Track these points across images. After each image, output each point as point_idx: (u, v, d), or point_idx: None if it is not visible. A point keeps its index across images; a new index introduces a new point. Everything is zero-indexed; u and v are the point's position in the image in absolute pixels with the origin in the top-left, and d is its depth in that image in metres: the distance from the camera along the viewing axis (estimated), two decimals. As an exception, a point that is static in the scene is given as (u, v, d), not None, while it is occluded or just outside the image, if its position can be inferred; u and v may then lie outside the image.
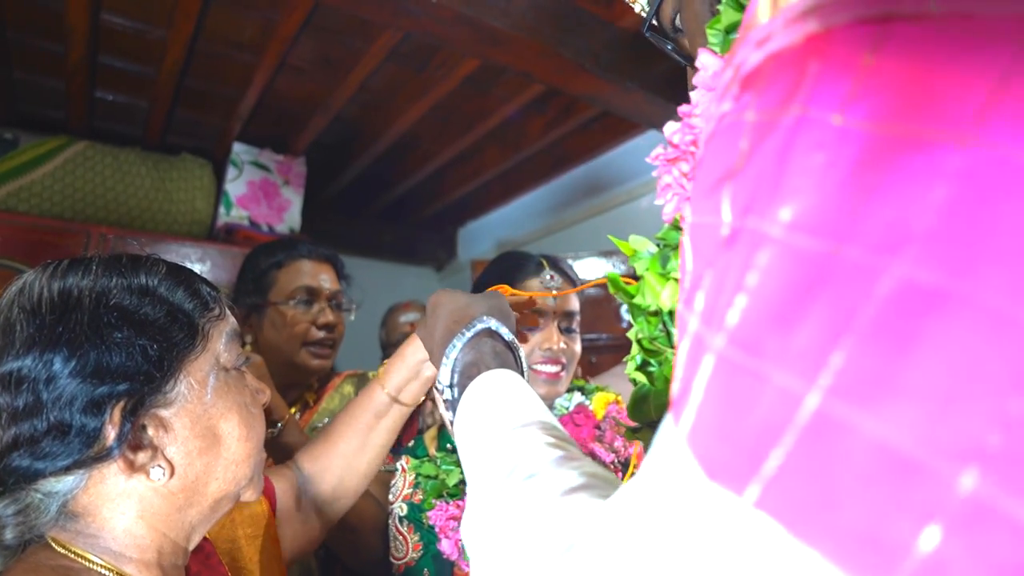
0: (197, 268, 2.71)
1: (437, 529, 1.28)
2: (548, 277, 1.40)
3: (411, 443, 1.44)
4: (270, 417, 1.25)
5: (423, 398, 1.14)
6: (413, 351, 1.09)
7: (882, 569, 0.24)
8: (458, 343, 0.74)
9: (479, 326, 0.75)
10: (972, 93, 0.26)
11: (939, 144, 0.26)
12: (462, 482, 1.31)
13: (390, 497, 1.37)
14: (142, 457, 0.70)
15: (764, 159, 0.32)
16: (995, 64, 0.26)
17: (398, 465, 1.39)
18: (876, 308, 0.26)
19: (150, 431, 0.71)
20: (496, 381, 0.63)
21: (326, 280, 1.61)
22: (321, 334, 1.57)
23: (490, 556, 0.46)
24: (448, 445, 1.39)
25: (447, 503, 1.30)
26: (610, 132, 2.96)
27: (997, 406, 0.23)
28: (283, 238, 1.73)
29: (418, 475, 1.34)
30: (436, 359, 0.79)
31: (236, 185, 2.96)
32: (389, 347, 2.47)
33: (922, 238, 0.26)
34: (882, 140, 0.28)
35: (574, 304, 1.43)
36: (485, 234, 4.13)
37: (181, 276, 0.78)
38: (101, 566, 0.69)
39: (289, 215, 3.07)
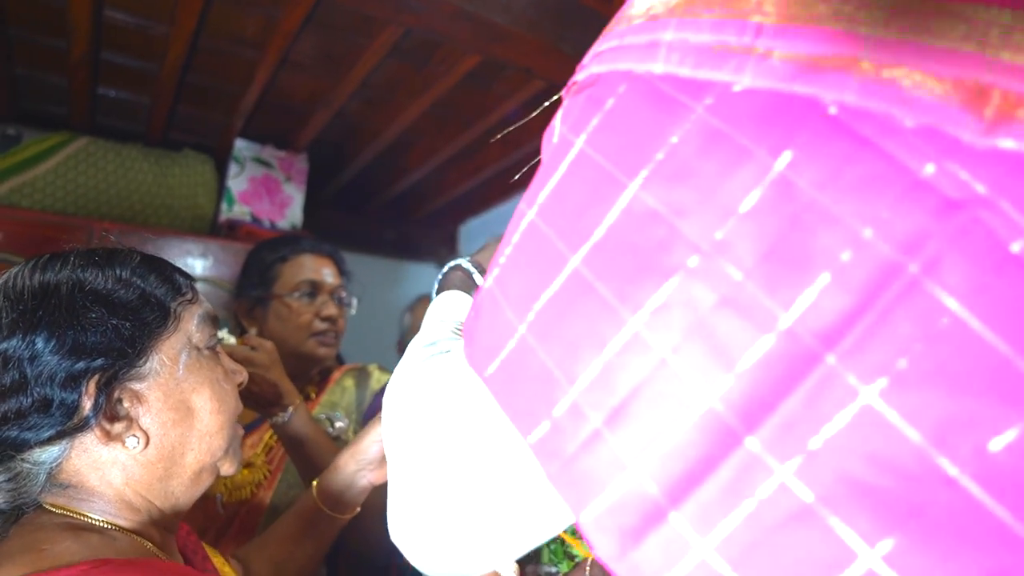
0: (199, 263, 2.72)
1: None
2: None
3: None
4: (280, 402, 1.28)
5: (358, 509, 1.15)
6: (347, 461, 1.11)
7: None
8: (440, 273, 1.01)
9: (449, 265, 1.01)
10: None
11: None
12: None
13: None
14: (118, 427, 0.78)
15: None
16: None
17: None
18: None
19: (125, 403, 0.79)
20: (443, 297, 0.89)
21: (328, 274, 1.64)
22: (324, 326, 1.59)
23: (392, 392, 0.65)
24: None
25: None
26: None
27: None
28: (286, 234, 1.76)
29: None
30: None
31: (238, 181, 2.97)
32: (413, 334, 2.46)
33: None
34: (583, 153, 0.46)
35: None
36: (487, 231, 4.14)
37: (154, 264, 0.87)
38: (100, 521, 0.78)
39: (291, 211, 3.08)
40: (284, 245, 1.66)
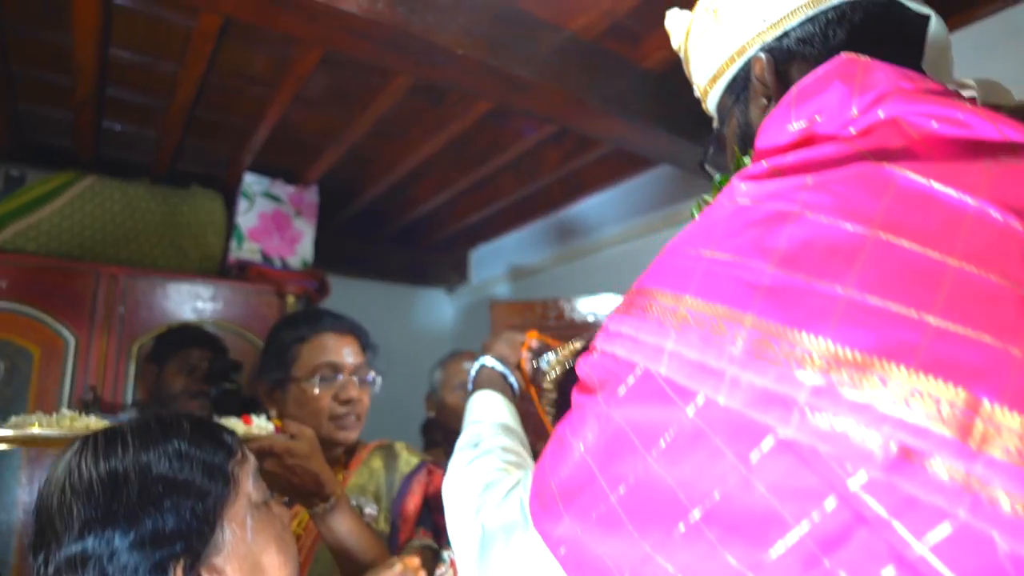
0: (209, 306, 2.65)
1: None
2: None
3: None
4: (322, 492, 1.22)
5: None
6: None
7: None
8: (472, 372, 1.21)
9: (478, 364, 1.22)
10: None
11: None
12: None
13: None
14: None
15: None
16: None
17: (447, 556, 1.32)
18: None
19: None
20: (479, 396, 1.09)
21: (349, 354, 1.57)
22: (343, 410, 1.52)
23: (449, 490, 0.84)
24: None
25: None
26: (628, 163, 2.89)
27: None
28: (306, 311, 1.68)
29: None
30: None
31: (248, 218, 2.89)
32: (444, 391, 2.36)
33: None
34: (615, 421, 0.60)
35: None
36: (498, 257, 4.07)
37: (205, 430, 0.87)
38: None
39: (301, 247, 3.01)
40: (303, 324, 1.59)
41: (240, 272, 2.80)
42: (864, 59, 0.60)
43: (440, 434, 2.42)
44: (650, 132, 2.24)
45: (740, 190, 0.59)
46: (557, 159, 2.89)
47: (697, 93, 0.88)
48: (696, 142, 2.42)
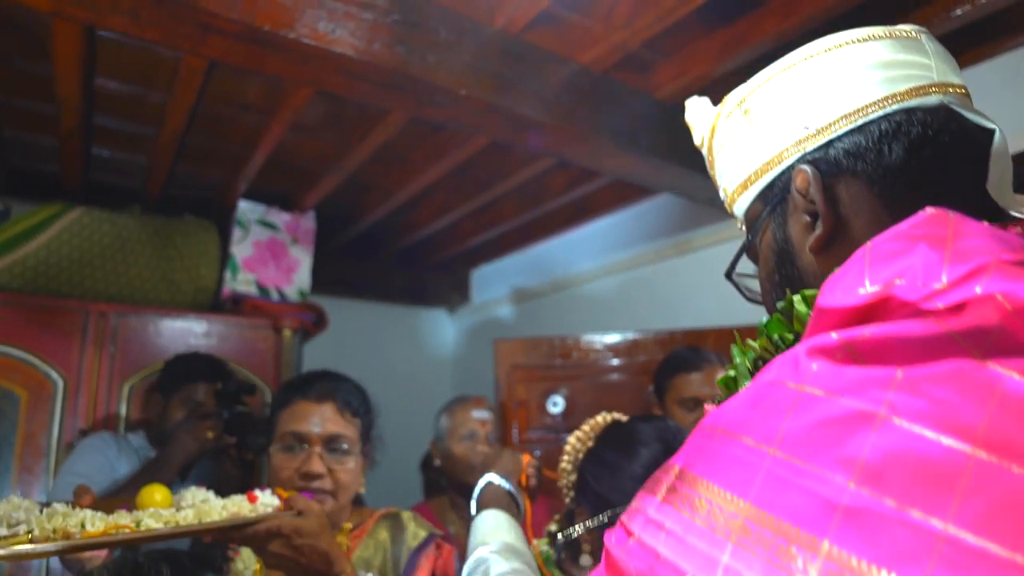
0: (202, 343, 2.55)
1: None
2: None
3: None
4: (331, 571, 1.16)
5: None
6: None
7: None
8: (476, 490, 1.20)
9: (484, 481, 1.21)
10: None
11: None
12: None
13: None
14: None
15: None
16: None
17: None
18: None
19: None
20: (485, 516, 1.10)
21: (316, 424, 1.44)
22: (305, 483, 1.39)
23: None
24: None
25: None
26: (635, 190, 2.78)
27: None
28: (302, 376, 1.57)
29: None
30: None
31: (242, 248, 2.79)
32: (451, 440, 2.24)
33: None
34: None
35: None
36: (500, 277, 3.97)
37: None
38: None
39: (298, 276, 2.91)
40: (288, 389, 1.51)
41: (235, 306, 2.70)
42: (954, 217, 0.51)
43: (445, 481, 2.32)
44: (660, 166, 2.14)
45: (809, 371, 0.50)
46: (562, 185, 2.80)
47: (722, 196, 0.79)
48: (706, 175, 2.32)
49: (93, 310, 2.38)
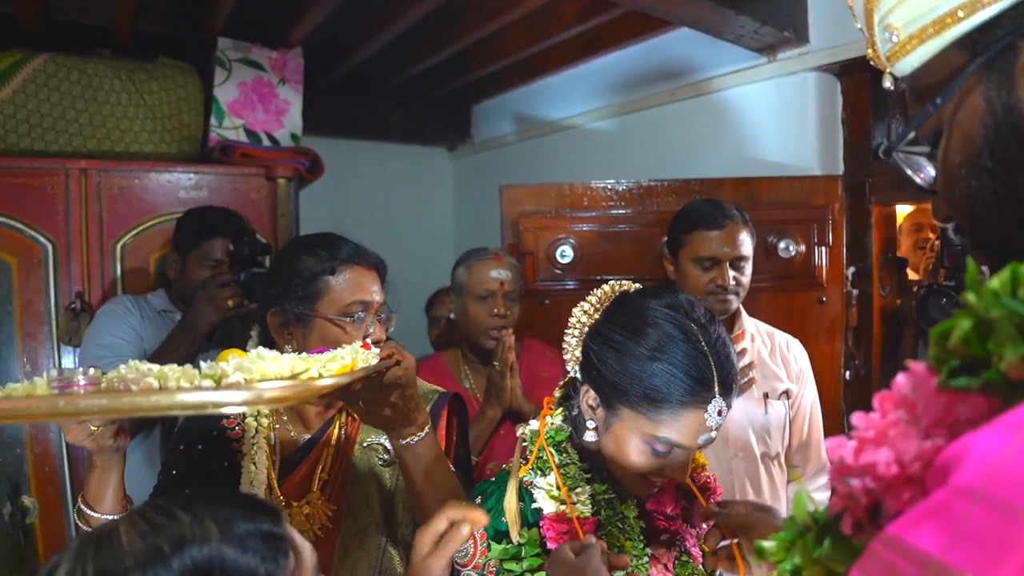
0: (192, 196, 2.42)
1: None
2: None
3: (483, 500, 1.22)
4: (419, 419, 1.24)
5: None
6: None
7: None
8: None
9: None
10: None
11: None
12: None
13: (456, 558, 1.23)
14: None
15: None
16: None
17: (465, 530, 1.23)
18: None
19: None
20: None
21: (376, 292, 1.43)
22: None
23: None
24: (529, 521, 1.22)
25: None
26: (653, 21, 2.52)
27: None
28: (324, 236, 1.48)
29: (501, 563, 1.18)
30: None
31: (225, 89, 2.58)
32: (467, 297, 2.14)
33: None
34: None
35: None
36: (502, 114, 3.74)
37: (238, 533, 0.72)
38: None
39: (289, 119, 2.72)
40: (329, 251, 1.40)
41: (224, 155, 2.54)
42: None
43: (457, 335, 2.28)
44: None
45: None
46: (573, 15, 2.54)
47: (879, 40, 0.57)
48: (727, 4, 2.08)
49: (73, 167, 2.23)
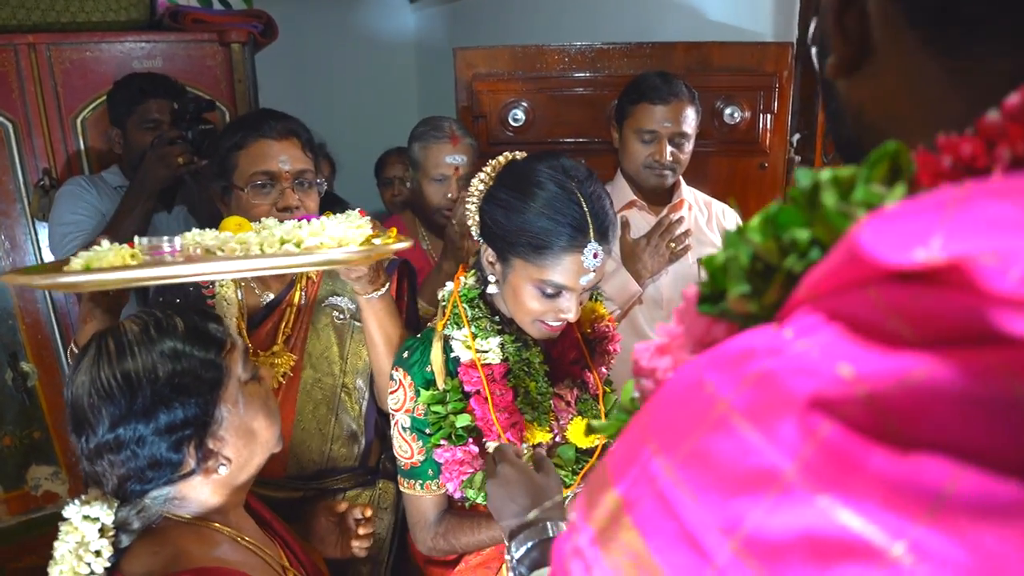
0: (146, 64, 2.42)
1: (442, 468, 1.35)
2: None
3: (410, 355, 1.40)
4: (378, 280, 1.43)
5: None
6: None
7: None
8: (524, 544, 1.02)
9: (529, 542, 1.02)
10: None
11: None
12: (468, 428, 1.36)
13: (391, 403, 1.42)
14: (211, 463, 1.05)
15: None
16: None
17: (396, 377, 1.40)
18: None
19: (213, 447, 1.05)
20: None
21: (286, 161, 1.54)
22: (283, 216, 1.50)
23: None
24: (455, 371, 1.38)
25: (454, 446, 1.36)
26: None
27: None
28: (250, 114, 1.58)
29: (428, 407, 1.36)
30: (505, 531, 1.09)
31: (168, -51, 2.49)
32: (422, 177, 2.17)
33: None
34: None
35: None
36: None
37: (197, 328, 1.06)
38: (193, 521, 1.07)
39: (239, -24, 2.64)
40: (241, 129, 1.54)
41: (174, 21, 2.50)
42: None
43: (414, 199, 2.35)
44: None
45: (789, 433, 0.31)
46: None
47: None
48: None
49: (20, 43, 2.21)
